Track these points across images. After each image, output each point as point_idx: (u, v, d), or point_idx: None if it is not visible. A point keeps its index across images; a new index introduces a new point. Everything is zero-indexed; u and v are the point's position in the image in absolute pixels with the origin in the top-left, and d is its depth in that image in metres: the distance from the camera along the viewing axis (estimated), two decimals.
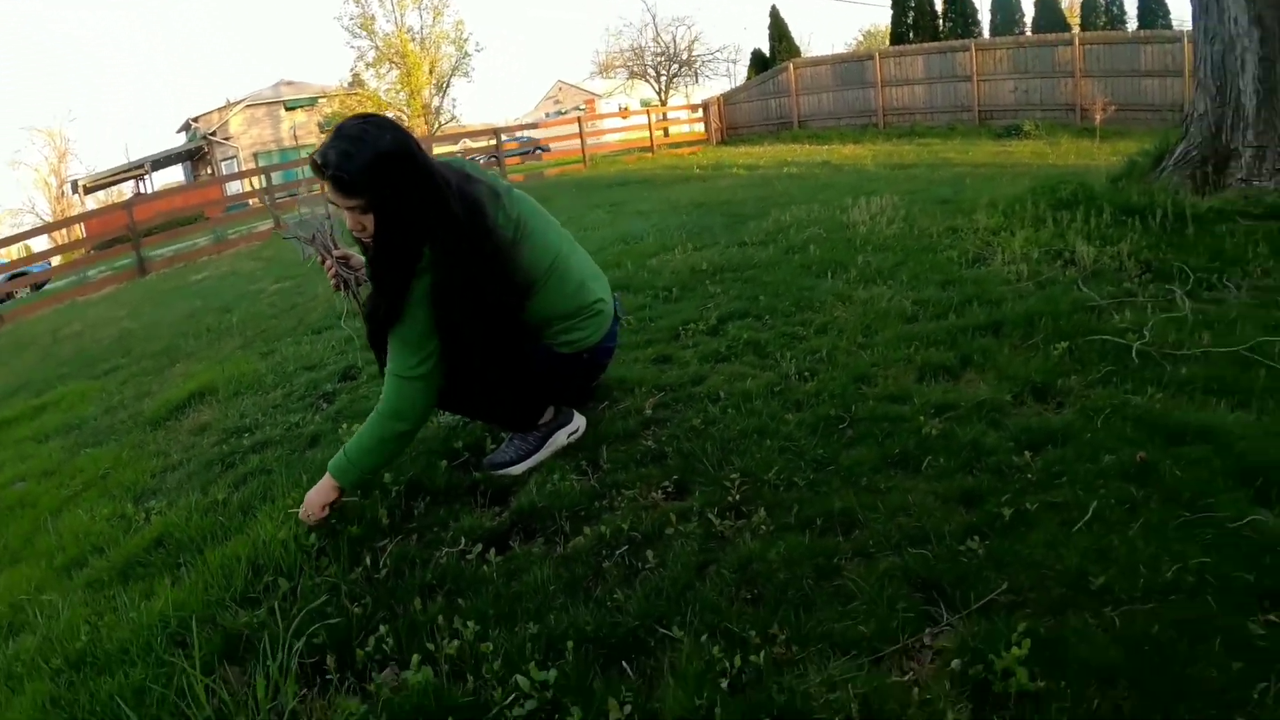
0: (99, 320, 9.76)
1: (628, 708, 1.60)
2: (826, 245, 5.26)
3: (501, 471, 2.67)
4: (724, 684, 1.62)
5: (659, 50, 42.71)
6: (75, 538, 2.92)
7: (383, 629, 1.96)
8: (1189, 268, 3.64)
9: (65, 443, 4.32)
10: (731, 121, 24.22)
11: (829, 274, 4.53)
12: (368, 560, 2.28)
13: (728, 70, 48.98)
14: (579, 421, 2.81)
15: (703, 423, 2.79)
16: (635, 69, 43.73)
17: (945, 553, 1.91)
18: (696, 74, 43.37)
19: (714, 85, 46.27)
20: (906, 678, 1.59)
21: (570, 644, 1.80)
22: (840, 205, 6.90)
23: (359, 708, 1.75)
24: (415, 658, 1.83)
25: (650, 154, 21.89)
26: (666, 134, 25.13)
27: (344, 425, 3.40)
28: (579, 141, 21.91)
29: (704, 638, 1.76)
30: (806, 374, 3.12)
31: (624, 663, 1.76)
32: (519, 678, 1.72)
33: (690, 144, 23.44)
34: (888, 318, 3.63)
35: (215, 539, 2.60)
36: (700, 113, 24.93)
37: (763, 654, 1.67)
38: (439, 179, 2.27)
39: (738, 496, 2.30)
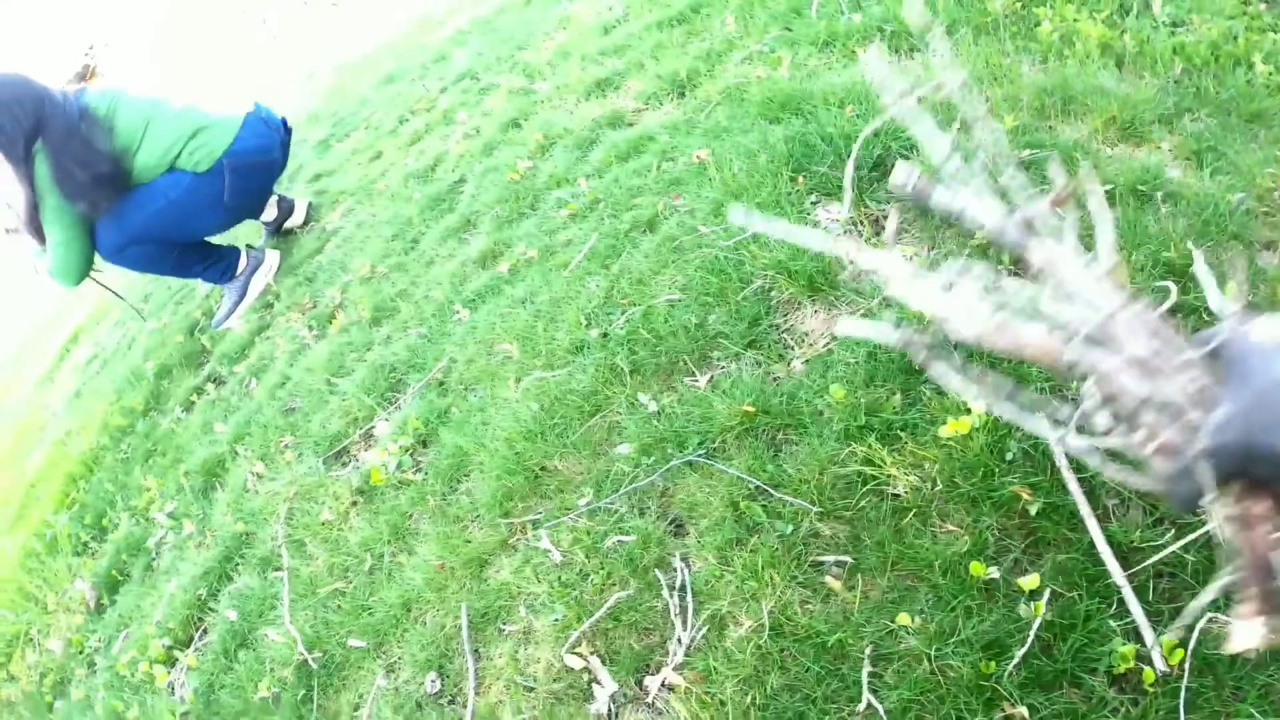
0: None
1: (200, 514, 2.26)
2: None
3: (223, 327, 3.02)
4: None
5: None
6: None
7: (118, 500, 2.59)
8: None
9: None
10: None
11: None
12: (122, 447, 2.83)
13: None
14: (271, 259, 3.12)
15: (356, 226, 3.01)
16: None
17: (435, 327, 2.20)
18: None
19: None
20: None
21: (186, 474, 2.40)
22: None
23: (94, 565, 2.46)
24: (125, 515, 2.48)
25: None
26: None
27: (151, 321, 3.60)
28: None
29: (248, 454, 2.30)
30: (471, 133, 3.10)
31: (215, 480, 2.34)
32: (159, 515, 2.34)
33: None
34: (587, 36, 3.29)
35: (59, 466, 3.13)
36: None
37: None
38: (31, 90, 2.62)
39: (337, 301, 2.66)
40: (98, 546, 2.57)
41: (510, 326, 1.95)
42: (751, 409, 1.49)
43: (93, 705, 2.04)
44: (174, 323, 3.35)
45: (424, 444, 1.88)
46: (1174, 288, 1.22)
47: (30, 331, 5.66)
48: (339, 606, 1.69)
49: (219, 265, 3.01)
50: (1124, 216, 1.55)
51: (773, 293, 1.70)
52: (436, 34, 4.61)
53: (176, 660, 1.92)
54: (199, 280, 3.12)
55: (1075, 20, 1.99)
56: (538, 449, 1.65)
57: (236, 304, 3.01)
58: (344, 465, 2.01)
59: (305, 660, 1.64)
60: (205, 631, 1.94)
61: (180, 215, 2.81)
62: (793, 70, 2.28)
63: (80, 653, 2.27)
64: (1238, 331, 0.70)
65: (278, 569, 1.88)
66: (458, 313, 2.14)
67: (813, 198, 1.87)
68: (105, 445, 2.93)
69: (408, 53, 4.62)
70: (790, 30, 2.50)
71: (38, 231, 2.74)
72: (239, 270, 3.03)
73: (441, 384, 1.99)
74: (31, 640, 2.53)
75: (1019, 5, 2.11)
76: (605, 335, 1.79)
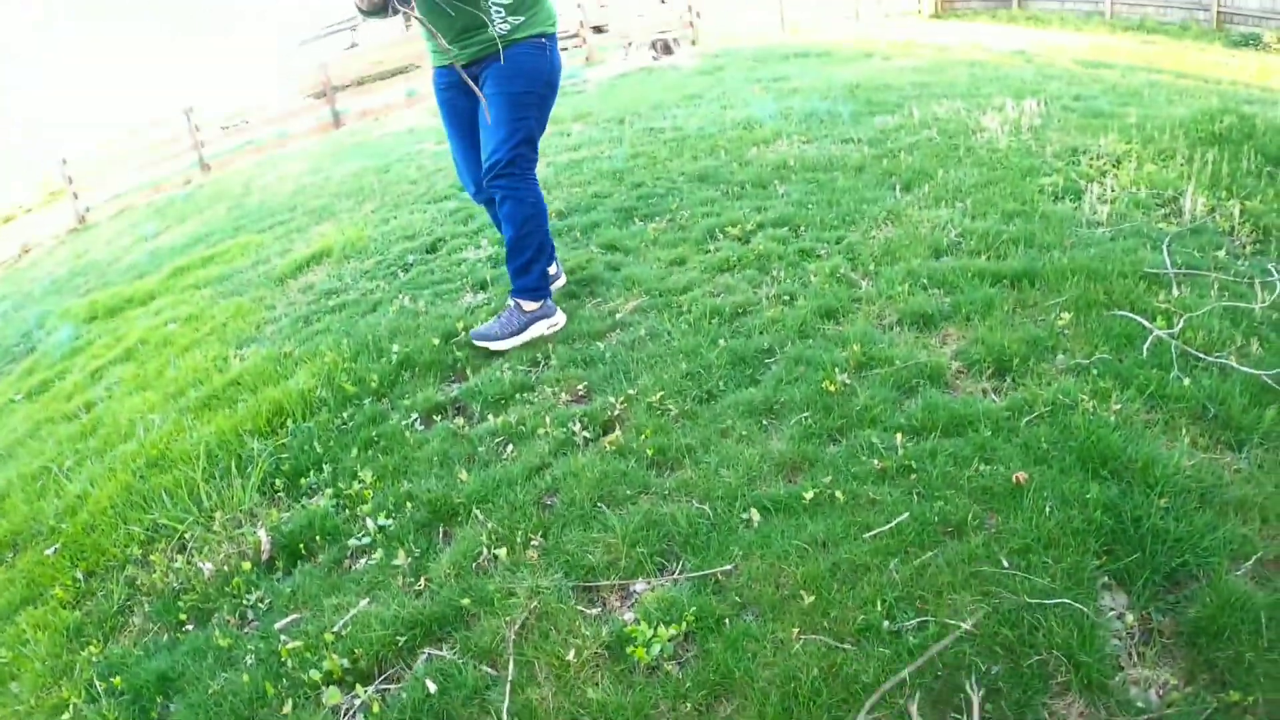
0: (285, 175, 10.10)
1: (416, 551, 2.29)
2: (927, 152, 4.66)
3: (483, 344, 3.10)
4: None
5: None
6: (187, 374, 3.67)
7: (325, 469, 2.70)
8: None
9: (214, 291, 4.86)
10: None
11: (904, 187, 4.09)
12: (345, 414, 2.96)
13: None
14: (559, 319, 3.20)
15: (648, 335, 3.05)
16: None
17: (722, 513, 2.17)
18: None
19: None
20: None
21: (410, 498, 2.45)
22: (989, 104, 5.86)
23: (278, 517, 2.56)
24: (329, 491, 2.58)
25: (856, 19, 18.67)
26: None
27: (405, 295, 3.81)
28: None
29: (488, 524, 2.28)
30: (785, 298, 3.15)
31: (442, 526, 2.37)
32: (369, 520, 2.40)
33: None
34: (918, 247, 3.37)
35: (268, 383, 3.30)
36: None
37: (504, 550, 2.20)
38: None
39: (614, 413, 2.65)
40: (289, 502, 2.63)
41: (806, 569, 1.95)
42: None
43: (238, 665, 2.06)
44: (429, 320, 3.46)
45: (686, 637, 1.88)
46: None
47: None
48: None
49: (542, 280, 3.09)
50: None
51: (1056, 676, 1.67)
52: (760, 151, 4.76)
53: (354, 689, 1.92)
54: (515, 268, 3.12)
55: None
56: (809, 718, 1.65)
57: (511, 334, 3.09)
58: (593, 604, 2.02)
59: None
60: (389, 678, 1.96)
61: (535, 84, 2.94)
62: (1119, 419, 2.25)
63: (234, 596, 2.30)
64: None
65: (494, 667, 1.89)
66: (748, 512, 2.15)
67: (1104, 579, 1.84)
68: (326, 400, 3.01)
69: (726, 156, 4.77)
70: (1120, 361, 2.47)
71: None
72: (536, 307, 3.11)
73: (718, 584, 1.99)
74: (183, 545, 2.58)
75: None
76: (897, 634, 1.79)
